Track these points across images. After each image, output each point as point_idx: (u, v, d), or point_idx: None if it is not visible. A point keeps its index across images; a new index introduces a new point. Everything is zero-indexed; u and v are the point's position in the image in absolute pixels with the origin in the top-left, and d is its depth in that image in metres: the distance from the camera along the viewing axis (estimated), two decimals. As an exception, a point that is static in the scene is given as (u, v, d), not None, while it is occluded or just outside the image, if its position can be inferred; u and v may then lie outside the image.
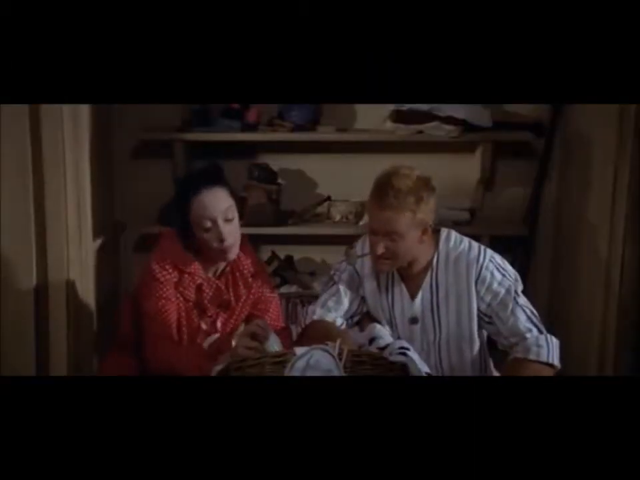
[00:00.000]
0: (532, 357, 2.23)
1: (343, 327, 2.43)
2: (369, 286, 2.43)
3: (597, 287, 2.83)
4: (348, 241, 2.62)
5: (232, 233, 2.30)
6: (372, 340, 2.29)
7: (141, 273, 2.44)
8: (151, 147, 3.41)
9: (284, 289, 3.40)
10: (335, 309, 2.42)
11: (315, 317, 2.41)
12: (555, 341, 2.27)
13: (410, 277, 2.37)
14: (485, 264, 2.30)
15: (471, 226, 3.33)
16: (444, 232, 2.38)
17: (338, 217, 3.43)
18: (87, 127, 2.90)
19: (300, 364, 1.90)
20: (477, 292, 2.31)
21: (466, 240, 2.37)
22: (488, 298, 2.31)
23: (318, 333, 2.31)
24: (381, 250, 2.26)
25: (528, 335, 2.26)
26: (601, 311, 2.81)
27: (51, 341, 2.68)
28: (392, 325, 2.41)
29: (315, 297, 2.57)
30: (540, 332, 2.27)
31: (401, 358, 2.06)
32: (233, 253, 2.33)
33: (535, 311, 2.31)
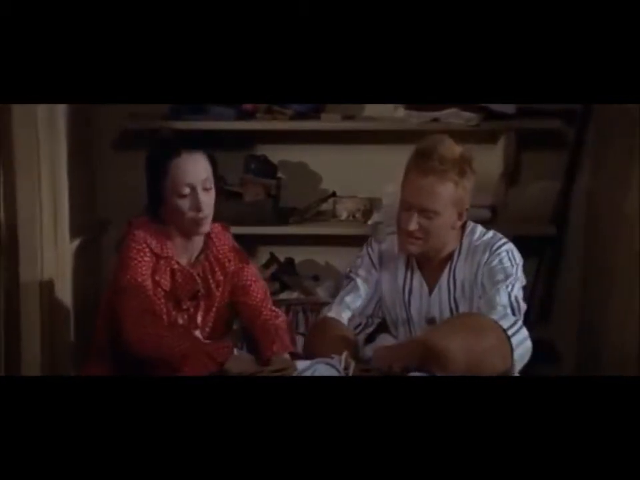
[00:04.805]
0: (495, 316, 2.13)
1: (358, 325, 2.40)
2: (387, 279, 2.41)
3: (635, 287, 2.73)
4: (355, 241, 2.62)
5: (209, 204, 2.28)
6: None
7: (116, 260, 2.40)
8: (136, 136, 3.28)
9: (284, 295, 3.32)
10: (353, 303, 2.41)
11: (330, 314, 2.38)
12: (528, 344, 2.14)
13: (429, 270, 2.36)
14: (499, 249, 2.30)
15: (492, 225, 3.16)
16: (469, 225, 2.39)
17: (344, 215, 3.34)
18: (64, 114, 2.83)
19: (302, 379, 1.92)
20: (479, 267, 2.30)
21: (492, 232, 2.37)
22: (482, 270, 2.28)
23: (327, 334, 2.27)
24: (413, 225, 2.23)
25: (500, 309, 2.18)
26: (639, 312, 2.72)
27: (22, 346, 2.63)
28: (409, 325, 2.40)
29: (319, 304, 2.61)
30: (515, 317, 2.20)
31: (412, 372, 2.05)
32: (206, 226, 2.31)
33: (522, 305, 2.24)
